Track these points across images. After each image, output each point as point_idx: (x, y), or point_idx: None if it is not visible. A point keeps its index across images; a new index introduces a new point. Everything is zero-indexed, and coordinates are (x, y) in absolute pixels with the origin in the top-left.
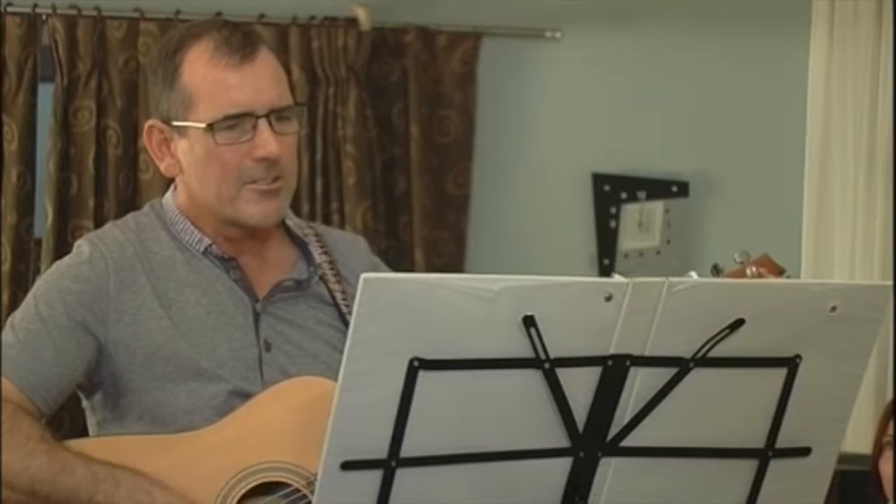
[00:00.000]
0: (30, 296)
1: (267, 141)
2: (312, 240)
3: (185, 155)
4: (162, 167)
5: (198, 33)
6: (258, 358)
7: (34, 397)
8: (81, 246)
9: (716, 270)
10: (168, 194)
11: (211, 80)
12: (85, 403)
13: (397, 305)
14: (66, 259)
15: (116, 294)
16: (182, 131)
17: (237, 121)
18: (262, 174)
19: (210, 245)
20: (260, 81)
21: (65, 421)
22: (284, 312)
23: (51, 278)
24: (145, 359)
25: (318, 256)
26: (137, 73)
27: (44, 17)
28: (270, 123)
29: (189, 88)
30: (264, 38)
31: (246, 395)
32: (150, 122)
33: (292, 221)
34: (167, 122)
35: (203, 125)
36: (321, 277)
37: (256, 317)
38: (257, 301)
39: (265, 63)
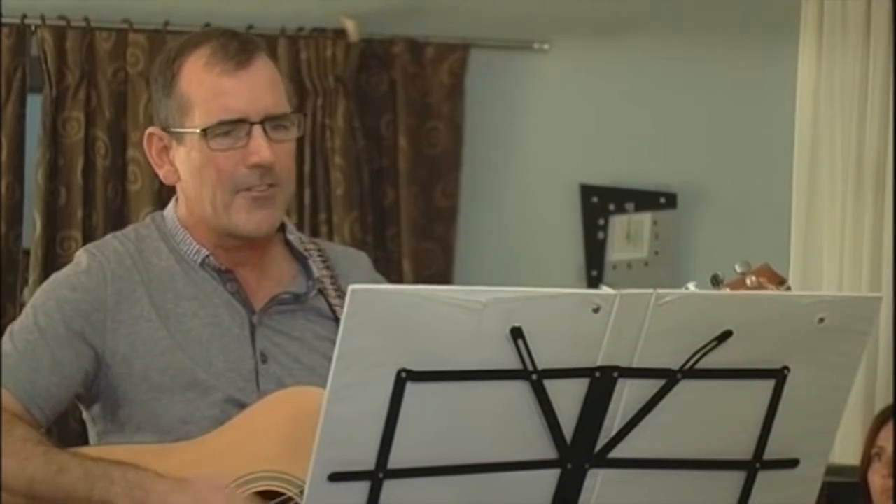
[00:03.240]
0: (28, 306)
1: (261, 147)
2: (314, 254)
3: (182, 162)
4: (161, 174)
5: (197, 42)
6: (254, 370)
7: (31, 407)
8: (80, 256)
9: (716, 281)
10: (169, 206)
11: (206, 86)
12: (85, 415)
13: (385, 317)
14: (65, 269)
15: (114, 304)
16: (180, 138)
17: (232, 127)
18: (257, 181)
19: (208, 256)
20: (255, 88)
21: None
22: (281, 325)
23: (49, 288)
24: (142, 369)
25: (318, 271)
26: (126, 84)
27: (32, 28)
28: (265, 130)
29: (185, 94)
30: (262, 46)
31: (242, 407)
32: (150, 129)
33: (294, 236)
34: (166, 129)
35: (198, 130)
36: (321, 291)
37: (253, 329)
38: (254, 313)
39: (261, 70)
